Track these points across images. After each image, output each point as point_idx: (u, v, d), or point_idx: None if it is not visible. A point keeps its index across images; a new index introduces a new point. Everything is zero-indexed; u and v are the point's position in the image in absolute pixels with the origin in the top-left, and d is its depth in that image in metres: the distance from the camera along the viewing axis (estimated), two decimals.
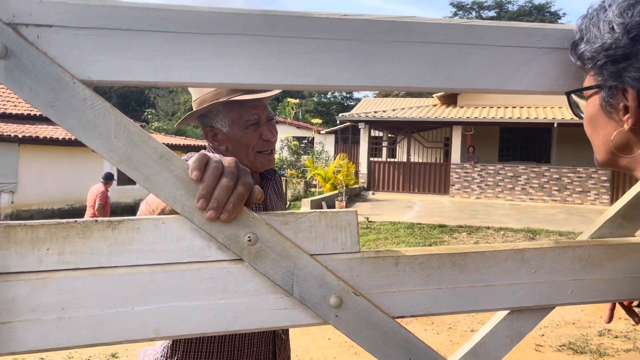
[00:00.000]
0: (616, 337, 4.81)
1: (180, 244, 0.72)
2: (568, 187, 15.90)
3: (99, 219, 0.70)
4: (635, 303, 1.01)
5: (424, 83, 0.79)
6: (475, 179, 16.71)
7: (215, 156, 0.73)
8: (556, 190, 15.98)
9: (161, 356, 1.31)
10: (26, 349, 0.68)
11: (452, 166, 16.98)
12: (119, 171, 14.48)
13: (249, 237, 0.72)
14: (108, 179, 7.87)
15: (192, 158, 0.72)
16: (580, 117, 0.79)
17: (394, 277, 0.79)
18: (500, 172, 16.52)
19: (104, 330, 0.70)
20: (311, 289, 0.75)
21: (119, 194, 14.69)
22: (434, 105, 19.05)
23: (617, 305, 0.99)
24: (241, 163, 1.38)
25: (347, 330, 0.77)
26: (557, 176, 15.98)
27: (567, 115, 15.81)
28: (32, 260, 0.68)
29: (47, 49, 0.66)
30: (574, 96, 0.80)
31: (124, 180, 15.03)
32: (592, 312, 5.50)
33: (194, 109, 1.40)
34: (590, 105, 0.75)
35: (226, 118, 1.38)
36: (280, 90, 1.63)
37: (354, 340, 0.78)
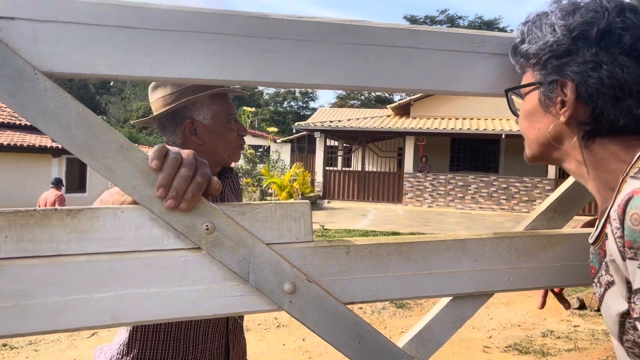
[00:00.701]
0: (558, 337, 5.03)
1: (139, 232, 0.75)
2: (515, 196, 16.51)
3: (58, 207, 0.72)
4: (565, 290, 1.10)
5: (372, 83, 0.84)
6: (427, 188, 17.12)
7: (174, 148, 0.76)
8: (504, 199, 16.56)
9: (117, 353, 1.31)
10: None
11: (405, 175, 17.34)
12: (66, 180, 14.00)
13: (207, 226, 0.76)
14: (58, 183, 7.80)
15: (152, 149, 0.74)
16: (517, 114, 0.87)
17: (345, 265, 0.84)
18: (451, 181, 16.99)
19: (62, 317, 0.71)
20: (266, 275, 0.78)
21: (67, 202, 14.20)
22: (388, 116, 19.43)
23: (549, 292, 1.07)
24: (218, 157, 1.40)
25: (300, 316, 0.81)
26: (505, 185, 16.57)
27: (515, 127, 16.45)
28: None
29: (8, 40, 0.67)
30: (512, 96, 0.87)
31: (73, 188, 14.55)
32: (536, 315, 5.73)
33: (163, 108, 1.39)
34: (528, 101, 0.82)
35: (210, 111, 1.41)
36: (245, 92, 1.64)
37: (307, 326, 0.82)
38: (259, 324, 5.17)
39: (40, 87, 0.68)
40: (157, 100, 1.42)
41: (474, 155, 19.90)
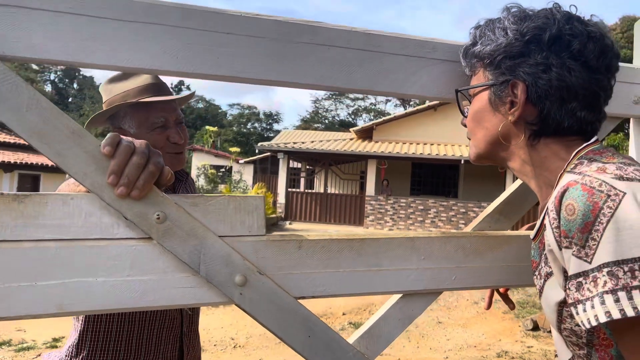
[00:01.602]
0: (512, 358, 5.12)
1: (89, 220, 0.74)
2: (473, 220, 16.84)
3: (5, 192, 0.70)
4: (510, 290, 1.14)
5: (327, 82, 0.87)
6: (389, 211, 17.31)
7: (127, 137, 0.76)
8: (462, 223, 16.88)
9: (65, 356, 1.27)
10: None
11: (366, 198, 17.49)
12: None
13: (158, 215, 0.76)
14: None
15: (105, 137, 0.74)
16: (465, 115, 0.90)
17: (297, 260, 0.85)
18: (411, 205, 17.23)
19: (3, 303, 0.69)
20: (217, 267, 0.79)
21: None
22: (351, 139, 19.66)
23: (495, 292, 1.10)
24: None
25: (251, 309, 0.81)
26: (464, 210, 16.92)
27: None
28: None
29: None
30: (461, 98, 0.91)
31: None
32: (492, 335, 5.83)
33: (95, 114, 1.42)
34: (477, 101, 0.86)
35: (133, 120, 1.39)
36: (192, 93, 1.62)
37: (257, 319, 0.82)
38: (215, 345, 5.07)
39: None
40: (102, 103, 1.44)
41: (434, 179, 20.29)
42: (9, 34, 0.69)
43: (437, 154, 16.89)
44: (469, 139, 0.90)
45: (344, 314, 6.49)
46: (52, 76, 57.07)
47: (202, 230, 0.78)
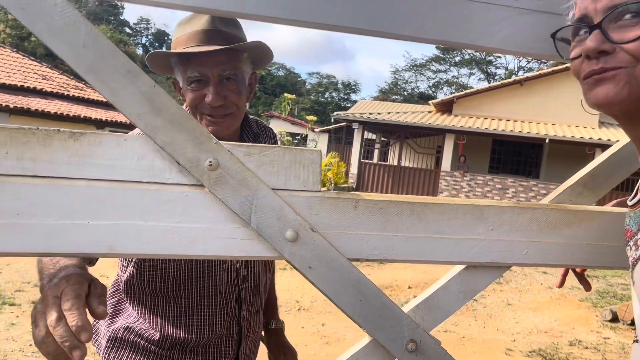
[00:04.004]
0: (586, 348, 4.86)
1: (141, 163, 0.73)
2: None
3: (61, 129, 0.70)
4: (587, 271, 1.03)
5: (393, 29, 0.80)
6: (464, 188, 16.82)
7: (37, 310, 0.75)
8: None
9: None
10: None
11: (441, 173, 17.08)
12: None
13: (210, 162, 0.73)
14: None
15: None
16: (568, 59, 0.78)
17: (352, 220, 0.80)
18: (489, 183, 16.64)
19: (57, 240, 0.70)
20: (268, 220, 0.76)
21: None
22: (429, 112, 19.13)
23: (570, 271, 1.01)
24: None
25: (301, 265, 0.77)
26: (545, 192, 16.10)
27: (560, 132, 15.95)
28: None
29: None
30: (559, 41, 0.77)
31: None
32: (565, 323, 5.55)
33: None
34: None
35: (179, 72, 1.26)
36: (235, 45, 1.25)
37: (307, 277, 0.79)
38: (280, 306, 5.19)
39: (50, 1, 0.66)
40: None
41: (515, 158, 19.40)
42: None
43: (520, 131, 16.09)
44: (617, 69, 0.67)
45: (409, 287, 6.42)
46: (144, 40, 59.76)
47: (255, 180, 0.75)
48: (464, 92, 19.57)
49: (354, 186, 17.65)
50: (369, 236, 0.81)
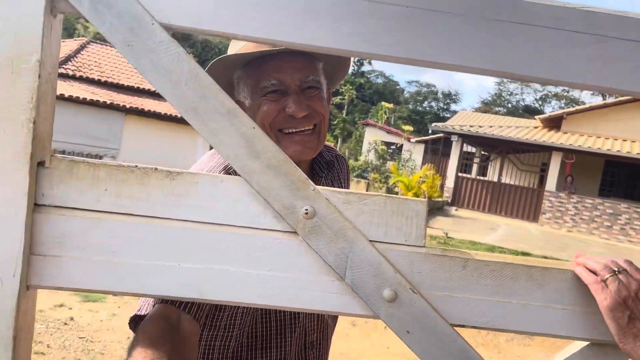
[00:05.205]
0: None
1: (236, 206, 0.69)
2: None
3: (159, 167, 0.68)
4: None
5: (523, 71, 0.70)
6: (570, 210, 15.68)
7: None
8: None
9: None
10: (72, 285, 0.68)
11: (545, 193, 16.05)
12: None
13: (307, 210, 0.68)
14: None
15: None
16: None
17: (459, 281, 0.71)
18: (598, 207, 15.38)
19: (149, 281, 0.68)
20: (365, 276, 0.69)
21: None
22: (535, 127, 18.07)
23: None
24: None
25: (399, 329, 0.70)
26: None
27: None
28: (90, 198, 0.67)
29: None
30: None
31: None
32: None
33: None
34: None
35: (246, 86, 1.06)
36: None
37: (405, 341, 0.71)
38: (365, 322, 5.10)
39: (157, 38, 0.64)
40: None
41: (630, 181, 17.80)
42: (173, 1, 0.66)
43: (638, 153, 14.73)
44: None
45: None
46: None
47: (352, 232, 0.69)
48: (576, 108, 18.28)
49: (449, 200, 17.10)
50: (478, 301, 0.72)
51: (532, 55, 0.69)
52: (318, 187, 0.69)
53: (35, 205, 0.66)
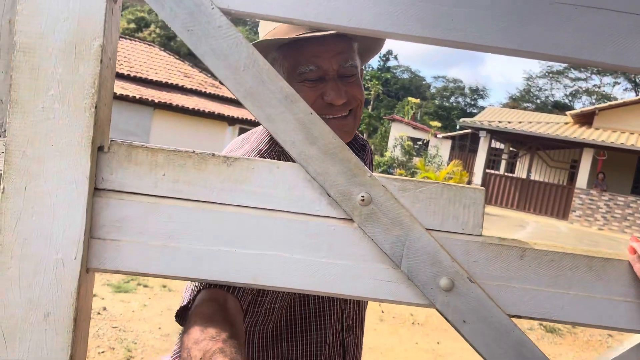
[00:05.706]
0: None
1: (292, 192, 0.69)
2: None
3: (216, 153, 0.69)
4: None
5: (586, 56, 0.68)
6: (601, 208, 15.34)
7: None
8: None
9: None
10: (130, 269, 0.69)
11: (576, 191, 15.72)
12: None
13: (363, 196, 0.67)
14: None
15: None
16: None
17: (517, 271, 0.70)
18: (631, 204, 15.00)
19: (204, 265, 0.69)
20: (421, 265, 0.68)
21: None
22: (566, 123, 17.69)
23: None
24: None
25: (454, 318, 0.69)
26: None
27: None
28: (148, 183, 0.68)
29: None
30: None
31: None
32: None
33: None
34: None
35: (282, 68, 1.04)
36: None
37: (460, 331, 0.70)
38: (393, 317, 5.08)
39: (215, 23, 0.65)
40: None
41: None
42: None
43: None
44: None
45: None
46: None
47: (409, 220, 0.68)
48: (608, 103, 17.82)
49: None
50: (536, 291, 0.70)
51: (590, 41, 0.67)
52: (374, 174, 0.68)
53: (95, 190, 0.67)
